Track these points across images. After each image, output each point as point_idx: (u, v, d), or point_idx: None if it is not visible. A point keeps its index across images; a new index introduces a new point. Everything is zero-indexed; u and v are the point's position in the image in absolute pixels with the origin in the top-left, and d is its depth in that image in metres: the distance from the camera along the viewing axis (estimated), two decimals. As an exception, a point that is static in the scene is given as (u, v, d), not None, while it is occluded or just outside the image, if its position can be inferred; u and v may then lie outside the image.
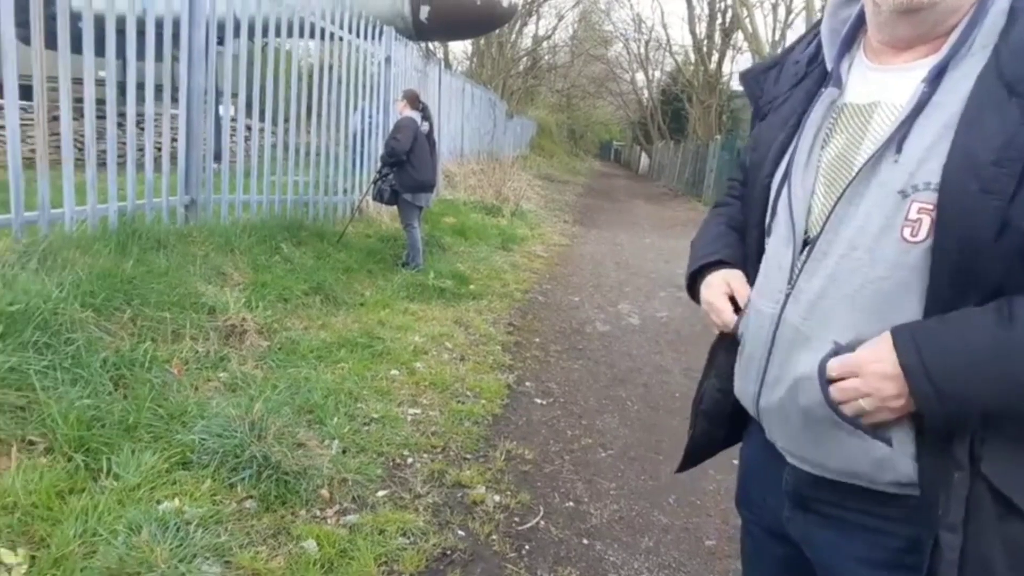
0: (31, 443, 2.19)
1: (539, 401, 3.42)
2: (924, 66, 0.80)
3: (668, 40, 30.62)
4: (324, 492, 2.30)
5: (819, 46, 0.96)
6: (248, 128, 4.90)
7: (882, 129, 0.81)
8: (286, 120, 5.29)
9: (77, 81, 3.40)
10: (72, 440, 2.19)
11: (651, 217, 13.88)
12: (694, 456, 1.16)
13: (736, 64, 24.74)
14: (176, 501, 2.06)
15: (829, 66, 0.92)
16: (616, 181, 26.80)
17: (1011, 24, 0.76)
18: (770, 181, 0.94)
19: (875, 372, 0.75)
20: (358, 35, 6.06)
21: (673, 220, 13.53)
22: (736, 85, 25.97)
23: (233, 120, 4.89)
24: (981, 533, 0.72)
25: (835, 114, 0.88)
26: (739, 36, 20.85)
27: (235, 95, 4.80)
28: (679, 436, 3.13)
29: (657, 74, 32.65)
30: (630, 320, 5.24)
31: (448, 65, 19.98)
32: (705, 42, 23.74)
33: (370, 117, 6.56)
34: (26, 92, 3.24)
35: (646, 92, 33.36)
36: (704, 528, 2.40)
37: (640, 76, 33.07)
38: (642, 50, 30.86)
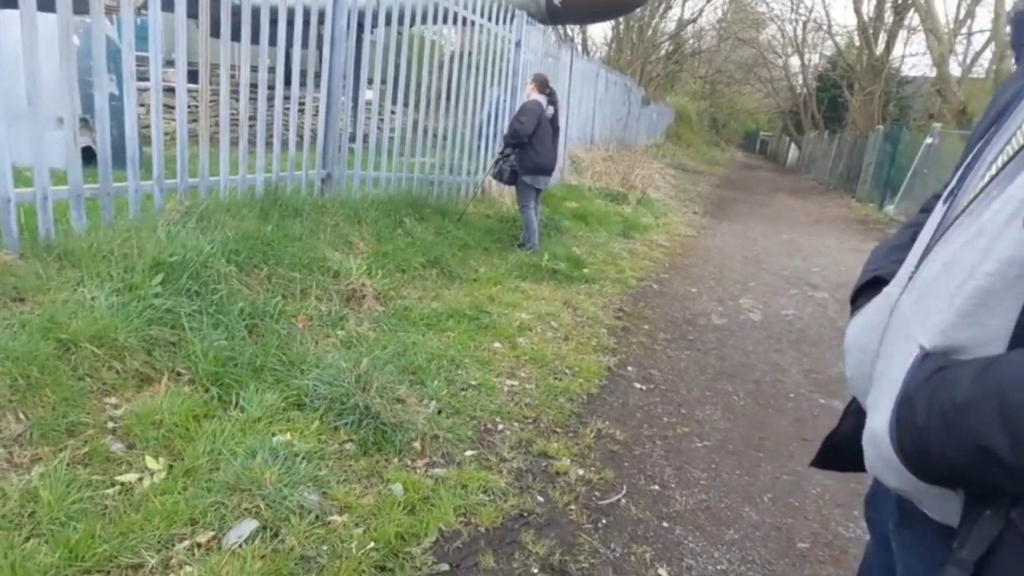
0: (178, 374, 2.54)
1: (638, 386, 3.38)
2: None
3: (829, 21, 28.13)
4: (416, 445, 2.45)
5: None
6: (385, 110, 5.24)
7: None
8: (419, 104, 5.58)
9: (234, 67, 3.84)
10: (210, 374, 2.51)
11: (793, 212, 12.96)
12: (829, 455, 1.01)
13: (909, 46, 22.19)
14: (288, 436, 2.31)
15: None
16: (759, 173, 25.26)
17: None
18: (980, 142, 0.80)
19: None
20: (491, 19, 6.22)
21: (818, 216, 12.54)
22: (908, 70, 23.39)
23: (369, 104, 5.25)
24: (999, 572, 0.65)
25: None
26: (913, 16, 18.72)
27: (371, 80, 5.15)
28: (787, 437, 2.96)
29: (814, 58, 30.19)
30: (750, 315, 4.98)
31: (586, 50, 19.87)
32: (872, 23, 21.55)
33: (501, 100, 6.73)
34: (192, 76, 3.71)
35: (800, 78, 30.97)
36: (798, 530, 2.27)
37: (794, 61, 30.75)
38: (799, 32, 28.65)
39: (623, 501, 2.33)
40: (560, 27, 15.88)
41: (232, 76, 3.79)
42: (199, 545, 1.79)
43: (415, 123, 5.65)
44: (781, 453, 2.80)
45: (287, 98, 4.19)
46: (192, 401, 2.37)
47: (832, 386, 3.59)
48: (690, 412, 3.13)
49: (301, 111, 4.38)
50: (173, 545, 1.76)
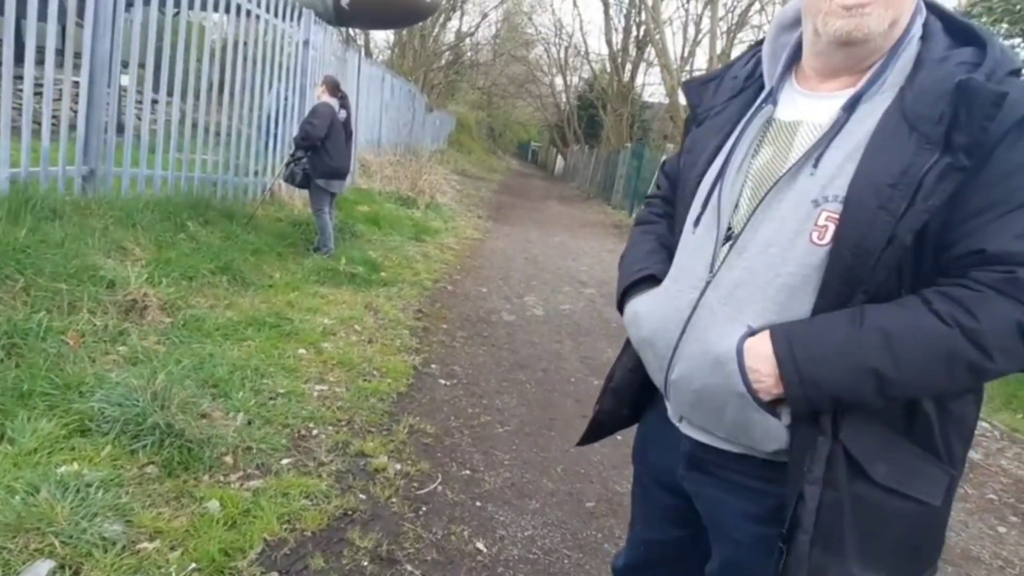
0: (-86, 408, 2.14)
1: (443, 382, 3.60)
2: (843, 96, 0.93)
3: (586, 48, 31.60)
4: (228, 459, 2.38)
5: (756, 64, 1.09)
6: (155, 102, 4.75)
7: (804, 145, 0.93)
8: (196, 96, 5.16)
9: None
10: (-39, 405, 2.15)
11: (562, 217, 14.35)
12: (596, 432, 1.27)
13: (648, 76, 25.83)
14: (75, 465, 2.09)
15: (768, 85, 1.03)
16: (532, 181, 27.33)
17: (916, 70, 0.90)
18: (701, 180, 1.05)
19: (757, 356, 0.90)
20: (276, 15, 5.98)
21: (583, 221, 14.06)
22: (648, 96, 27.16)
23: (138, 91, 4.71)
24: (836, 488, 0.88)
25: (767, 128, 1.00)
26: (651, 51, 21.86)
27: (142, 66, 4.65)
28: (571, 415, 3.41)
29: (575, 79, 33.58)
30: (535, 311, 5.52)
31: (369, 53, 19.68)
32: (620, 53, 24.70)
33: (285, 99, 6.48)
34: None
35: (564, 96, 34.19)
36: (586, 493, 2.67)
37: (559, 80, 33.89)
38: (561, 55, 31.67)
39: (439, 488, 2.52)
40: (345, 29, 15.55)
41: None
42: (-22, 597, 1.58)
43: (193, 119, 5.20)
44: (567, 429, 3.23)
45: (39, 82, 3.62)
46: (-59, 438, 2.02)
47: (604, 369, 4.17)
48: (491, 402, 3.44)
49: (57, 97, 3.81)
50: (-58, 603, 1.54)
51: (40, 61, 3.68)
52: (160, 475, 2.20)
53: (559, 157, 38.75)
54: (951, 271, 0.86)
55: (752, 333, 0.91)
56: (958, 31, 0.94)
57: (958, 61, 0.89)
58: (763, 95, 1.04)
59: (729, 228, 0.97)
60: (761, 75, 1.07)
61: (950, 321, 0.83)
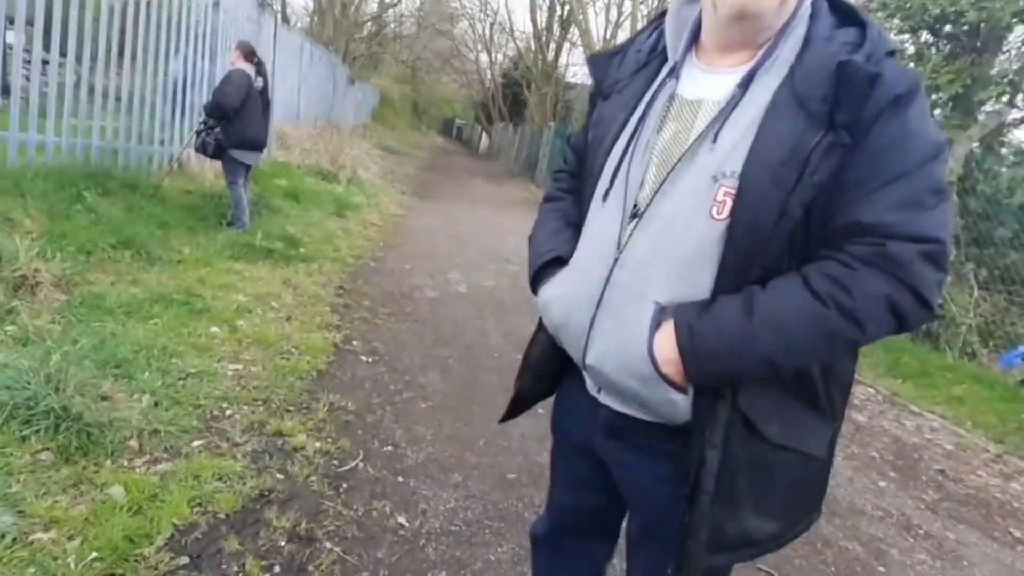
0: None
1: (364, 359, 3.55)
2: (740, 72, 0.95)
3: (511, 25, 31.37)
4: (133, 443, 2.26)
5: (659, 38, 1.09)
6: (45, 62, 4.35)
7: (705, 122, 0.94)
8: (93, 58, 4.75)
9: None
10: None
11: (487, 195, 14.32)
12: (518, 406, 1.31)
13: (571, 56, 26.02)
14: (-44, 454, 1.93)
15: (672, 60, 1.04)
16: (456, 159, 27.08)
17: (804, 49, 0.93)
18: (608, 156, 1.05)
19: (665, 349, 0.94)
20: (181, -28, 5.58)
21: (507, 199, 14.09)
22: (571, 76, 27.33)
23: (27, 51, 4.29)
24: (733, 450, 0.94)
25: (670, 104, 1.01)
26: (575, 31, 22.00)
27: (30, 23, 4.23)
28: (493, 390, 3.44)
29: (500, 57, 33.32)
30: (458, 288, 5.51)
31: (286, 19, 18.75)
32: (544, 32, 24.70)
33: (194, 65, 6.08)
34: None
35: (489, 73, 33.89)
36: (507, 464, 2.72)
37: (484, 57, 33.52)
38: (487, 31, 31.29)
39: (361, 465, 2.50)
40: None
41: None
42: None
43: (91, 83, 4.79)
44: (490, 403, 3.26)
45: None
46: None
47: (526, 344, 4.25)
48: (413, 378, 3.42)
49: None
50: None
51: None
52: (56, 462, 2.07)
53: (484, 135, 38.52)
54: (831, 242, 0.92)
55: (661, 310, 0.95)
56: (842, 11, 0.98)
57: (842, 41, 0.93)
58: (666, 70, 1.05)
59: (635, 205, 0.99)
60: (664, 48, 1.08)
61: (828, 302, 0.88)
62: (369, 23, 25.51)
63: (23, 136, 4.21)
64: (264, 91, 5.23)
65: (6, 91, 4.11)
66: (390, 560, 2.01)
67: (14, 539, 1.71)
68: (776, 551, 1.10)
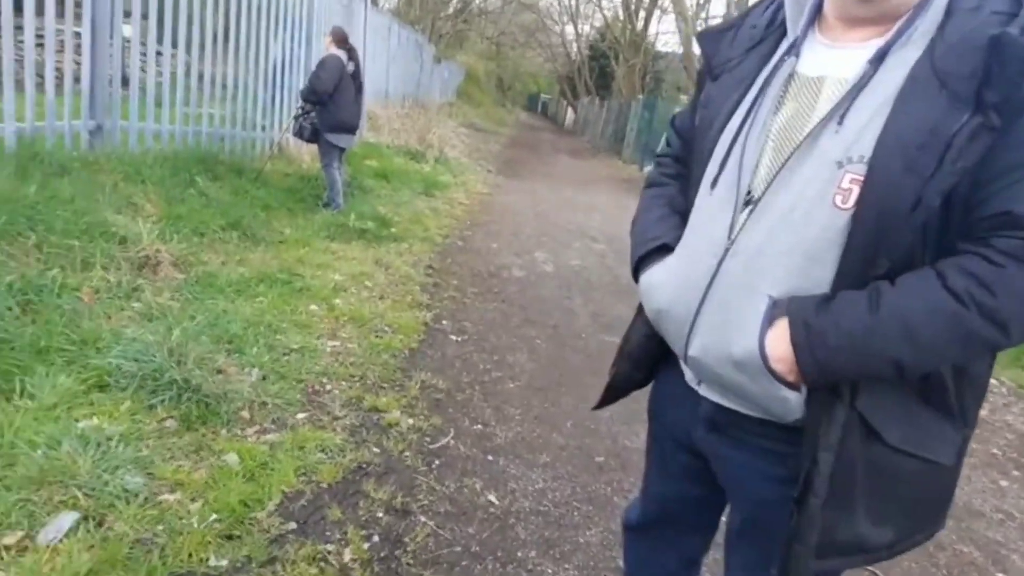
0: (-64, 364, 2.17)
1: (454, 338, 3.62)
2: (871, 47, 0.87)
3: (599, -7, 30.46)
4: (244, 414, 2.42)
5: (777, 11, 1.02)
6: (159, 53, 4.66)
7: (829, 102, 0.87)
8: (200, 48, 5.05)
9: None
10: (-20, 361, 2.19)
11: (572, 172, 14.16)
12: (612, 395, 1.26)
13: (662, 24, 24.99)
14: (95, 420, 2.13)
15: (792, 35, 0.97)
16: (541, 134, 26.91)
17: (947, 20, 0.84)
18: (718, 139, 0.99)
19: (778, 345, 0.88)
20: (278, -39, 5.79)
21: (593, 176, 13.87)
22: (661, 45, 26.38)
23: (127, 41, 4.60)
24: (849, 453, 0.88)
25: (789, 83, 0.93)
26: (666, -4, 21.10)
27: (144, 16, 4.54)
28: (581, 371, 3.43)
29: (586, 28, 32.60)
30: (545, 267, 5.50)
31: (375, 1, 19.14)
32: (633, 0, 23.87)
33: (291, 50, 6.34)
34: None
35: (575, 46, 33.29)
36: (596, 447, 2.70)
37: (570, 29, 32.92)
38: (573, 2, 30.64)
39: (452, 442, 2.56)
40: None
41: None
42: (7, 548, 1.63)
43: (188, 68, 5.10)
44: (577, 385, 3.25)
45: (40, 34, 3.55)
46: (-38, 393, 2.06)
47: (614, 325, 4.19)
48: (501, 358, 3.46)
49: (60, 50, 3.74)
50: (-27, 552, 1.59)
51: (40, 12, 3.60)
52: (179, 429, 2.24)
53: (569, 109, 37.98)
54: (975, 234, 0.83)
55: (774, 305, 0.89)
56: None
57: (991, 11, 0.83)
58: (785, 46, 0.97)
59: (749, 192, 0.93)
60: (782, 23, 1.00)
61: (967, 301, 0.80)
62: (455, 0, 25.63)
63: (142, 125, 4.56)
64: (356, 75, 5.37)
65: (125, 82, 4.43)
66: (481, 536, 2.05)
67: (145, 499, 1.88)
68: (890, 559, 1.03)
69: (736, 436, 1.03)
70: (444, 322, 3.81)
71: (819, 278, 0.88)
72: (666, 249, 1.07)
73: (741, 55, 1.03)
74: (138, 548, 1.71)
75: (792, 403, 0.92)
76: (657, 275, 1.07)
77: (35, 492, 1.78)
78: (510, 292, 4.64)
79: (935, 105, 0.80)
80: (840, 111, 0.85)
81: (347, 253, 4.58)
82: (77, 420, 2.10)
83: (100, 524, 1.76)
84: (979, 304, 0.80)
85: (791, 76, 0.94)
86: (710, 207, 0.99)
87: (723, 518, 1.25)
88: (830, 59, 0.92)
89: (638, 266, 1.12)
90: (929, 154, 0.79)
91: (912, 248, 0.84)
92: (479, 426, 2.72)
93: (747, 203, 0.93)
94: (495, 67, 35.35)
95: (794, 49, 0.95)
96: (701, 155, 1.03)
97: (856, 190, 0.83)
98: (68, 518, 1.73)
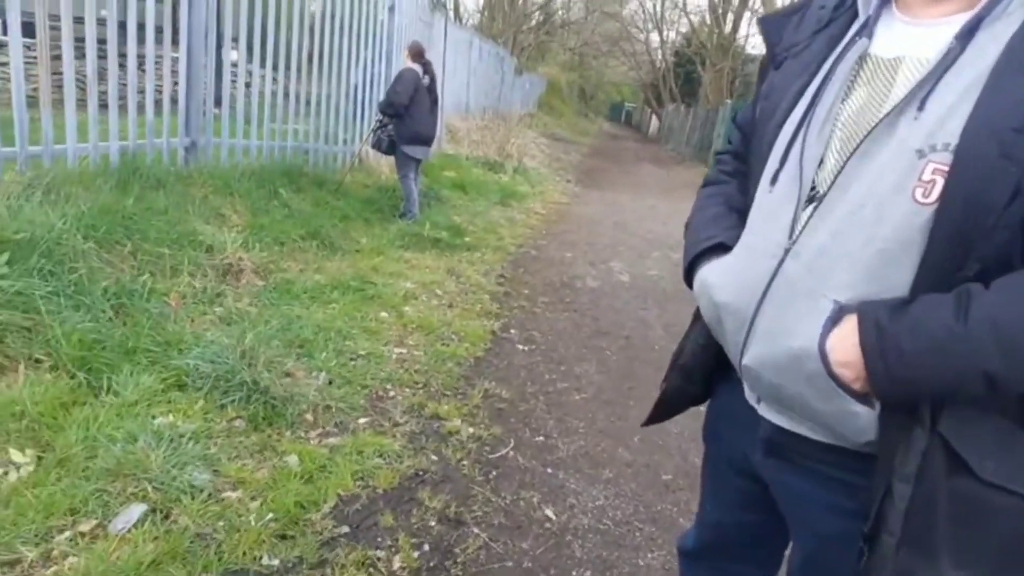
0: (37, 361, 2.36)
1: (521, 347, 3.57)
2: (956, 22, 0.77)
3: (684, 0, 29.78)
4: (308, 416, 2.47)
5: None
6: (250, 74, 4.96)
7: (907, 85, 0.77)
8: (288, 68, 5.33)
9: (79, 20, 3.46)
10: (75, 359, 2.35)
11: (655, 180, 13.85)
12: (664, 410, 1.18)
13: (751, 26, 24.14)
14: (170, 417, 2.24)
15: (864, 14, 0.87)
16: (624, 143, 26.56)
17: None
18: (779, 131, 0.90)
19: (843, 348, 0.77)
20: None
21: (676, 183, 13.49)
22: (751, 48, 25.43)
23: (235, 65, 4.93)
24: (930, 486, 0.75)
25: (861, 66, 0.84)
26: (756, -3, 20.34)
27: (235, 40, 4.84)
28: (652, 384, 3.28)
29: (672, 35, 31.98)
30: (620, 277, 5.36)
31: (458, 17, 19.65)
32: (721, 3, 23.17)
33: (373, 66, 6.57)
34: (29, 30, 3.31)
35: (659, 53, 32.72)
36: (664, 465, 2.57)
37: (654, 36, 32.40)
38: (657, 8, 30.16)
39: (511, 453, 2.51)
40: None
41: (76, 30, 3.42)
42: (82, 534, 1.72)
43: (284, 88, 5.40)
44: (648, 399, 3.08)
45: (142, 57, 3.86)
46: (57, 388, 2.22)
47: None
48: (569, 368, 3.37)
49: (159, 73, 4.05)
50: (52, 537, 1.69)
51: (142, 39, 3.90)
52: (247, 429, 2.32)
53: (653, 118, 37.31)
54: None
55: (840, 310, 0.78)
56: None
57: None
58: (856, 26, 0.87)
59: (813, 187, 0.83)
60: (854, 2, 0.90)
61: None
62: (537, 12, 25.85)
63: (232, 141, 4.85)
64: (431, 88, 5.48)
65: (218, 102, 4.74)
66: (535, 552, 1.98)
67: (209, 495, 1.94)
68: None
69: (799, 462, 0.91)
70: (512, 331, 3.78)
71: (895, 283, 0.77)
72: (722, 248, 0.98)
73: (807, 39, 0.93)
74: (198, 542, 1.76)
75: (862, 421, 0.80)
76: (712, 273, 0.97)
77: (111, 483, 1.88)
78: (582, 302, 4.54)
79: None
80: (921, 94, 0.75)
81: (420, 262, 4.65)
82: (154, 417, 2.21)
83: (166, 517, 1.83)
84: None
85: (863, 58, 0.84)
86: (770, 204, 0.89)
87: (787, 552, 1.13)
88: (909, 37, 0.81)
89: (691, 267, 1.03)
90: None
91: (1009, 248, 0.72)
92: (540, 438, 2.65)
93: (811, 200, 0.83)
94: (577, 77, 35.31)
95: (866, 29, 0.84)
96: (761, 149, 0.94)
97: (940, 182, 0.72)
98: (137, 510, 1.81)
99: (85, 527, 1.74)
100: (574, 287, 4.89)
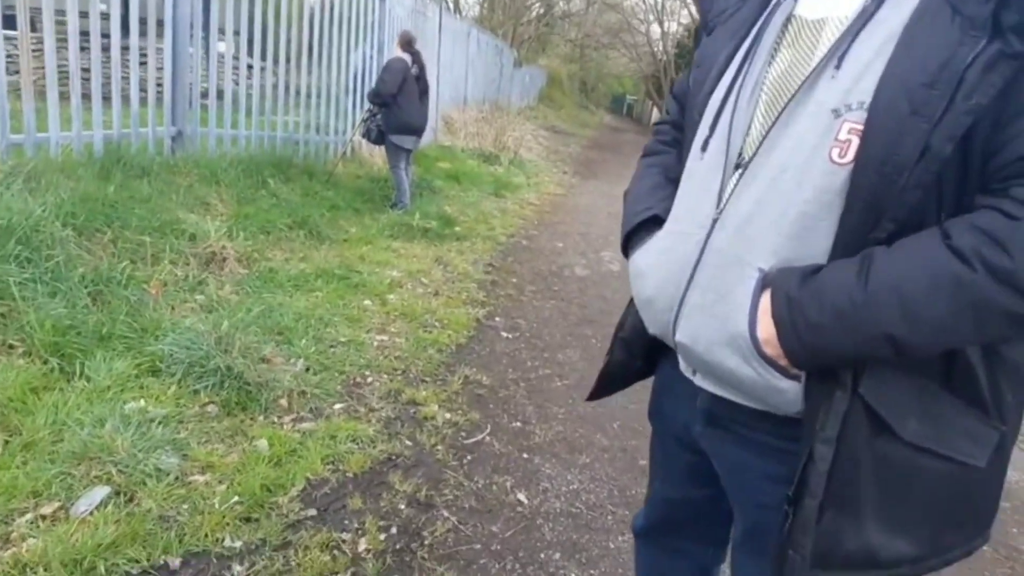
0: (10, 346, 2.36)
1: (505, 335, 3.56)
2: None
3: (686, -10, 29.49)
4: (283, 402, 2.46)
5: None
6: (236, 60, 4.94)
7: (829, 45, 0.76)
8: (279, 59, 5.31)
9: (61, 12, 3.45)
10: (48, 345, 2.35)
11: (655, 172, 13.76)
12: (607, 385, 1.17)
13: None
14: (142, 402, 2.23)
15: None
16: (624, 135, 26.42)
17: None
18: (710, 98, 0.89)
19: (766, 324, 0.77)
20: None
21: (676, 175, 13.44)
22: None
23: (222, 56, 4.91)
24: (853, 447, 0.75)
25: (786, 28, 0.83)
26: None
27: (223, 31, 4.82)
28: (635, 371, 3.26)
29: (673, 26, 31.72)
30: (610, 267, 5.33)
31: (457, 9, 19.56)
32: (724, -7, 22.98)
33: (369, 57, 6.54)
34: (10, 21, 3.30)
35: (660, 45, 32.48)
36: (641, 450, 2.55)
37: (655, 28, 32.16)
38: (659, 0, 29.94)
39: (487, 439, 2.49)
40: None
41: (58, 23, 3.41)
42: (43, 517, 1.72)
43: (274, 77, 5.38)
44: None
45: (126, 48, 3.84)
46: (28, 374, 2.22)
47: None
48: (552, 356, 3.36)
49: (143, 63, 4.03)
50: (13, 520, 1.69)
51: (126, 30, 3.89)
52: (219, 414, 2.31)
53: (655, 110, 37.12)
54: (991, 186, 0.69)
55: (764, 278, 0.78)
56: None
57: None
58: None
59: (740, 154, 0.82)
60: None
61: (975, 262, 0.66)
62: (537, 4, 25.72)
63: (220, 131, 4.83)
64: (420, 78, 5.44)
65: (206, 94, 4.72)
66: (504, 535, 1.97)
67: (176, 478, 1.94)
68: None
69: (736, 431, 0.91)
70: (497, 319, 3.76)
71: (815, 245, 0.76)
72: (656, 221, 0.98)
73: (736, 4, 0.92)
74: (160, 525, 1.76)
75: (789, 395, 0.79)
76: (645, 257, 0.96)
77: (75, 467, 1.88)
78: (570, 291, 4.52)
79: (947, 36, 0.68)
80: (838, 53, 0.74)
81: (408, 251, 4.63)
82: (125, 402, 2.21)
83: (130, 500, 1.83)
84: (989, 265, 0.66)
85: (788, 20, 0.83)
86: (700, 173, 0.88)
87: (735, 527, 1.12)
88: None
89: (627, 241, 1.02)
90: (939, 92, 0.67)
91: (923, 207, 0.71)
92: (518, 423, 2.64)
93: (737, 166, 0.82)
94: (578, 70, 35.11)
95: None
96: (693, 117, 0.92)
97: (855, 141, 0.71)
98: (100, 492, 1.81)
99: (47, 510, 1.74)
100: (563, 276, 4.87)
